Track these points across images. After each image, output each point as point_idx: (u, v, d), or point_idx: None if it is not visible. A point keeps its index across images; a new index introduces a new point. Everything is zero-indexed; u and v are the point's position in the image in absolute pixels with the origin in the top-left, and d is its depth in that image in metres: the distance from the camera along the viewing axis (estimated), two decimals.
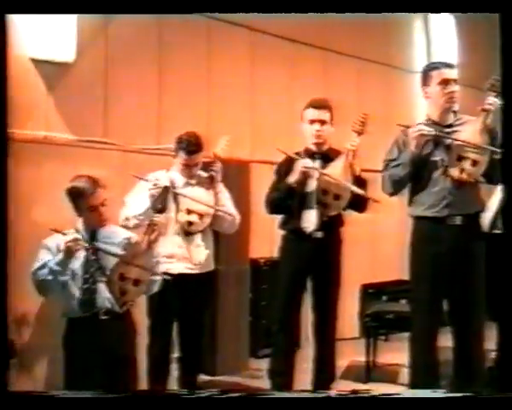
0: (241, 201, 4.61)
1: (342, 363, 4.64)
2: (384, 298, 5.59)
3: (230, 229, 4.08)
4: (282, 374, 4.00)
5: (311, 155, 3.99)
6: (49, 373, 3.90)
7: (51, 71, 4.34)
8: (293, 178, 3.89)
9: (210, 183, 3.92)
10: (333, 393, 3.06)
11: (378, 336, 4.89)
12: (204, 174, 3.98)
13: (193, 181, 3.97)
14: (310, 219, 3.92)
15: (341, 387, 4.17)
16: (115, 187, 3.85)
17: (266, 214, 4.16)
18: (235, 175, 4.70)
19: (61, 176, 4.24)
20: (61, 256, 3.21)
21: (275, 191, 4.01)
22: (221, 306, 4.59)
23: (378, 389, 4.03)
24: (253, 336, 4.74)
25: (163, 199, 3.61)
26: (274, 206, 4.02)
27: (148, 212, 3.67)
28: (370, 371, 4.72)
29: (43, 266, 3.25)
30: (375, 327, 4.81)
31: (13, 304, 4.02)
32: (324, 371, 4.10)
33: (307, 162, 3.88)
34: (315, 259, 3.96)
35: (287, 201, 3.93)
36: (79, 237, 3.23)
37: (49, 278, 3.22)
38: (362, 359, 4.78)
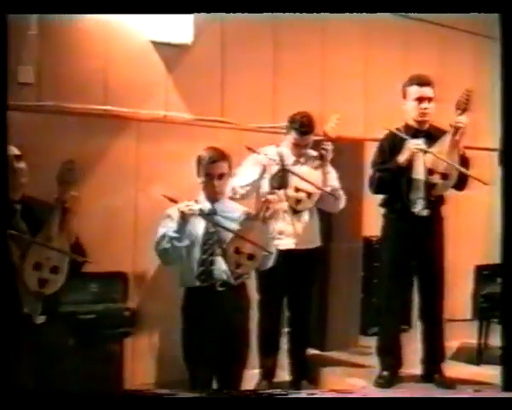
0: (355, 179, 4.67)
1: (453, 344, 4.60)
2: (499, 280, 5.44)
3: (336, 208, 4.13)
4: (390, 353, 4.02)
5: (413, 132, 3.96)
6: (168, 342, 4.08)
7: (170, 53, 4.52)
8: (402, 158, 3.87)
9: (319, 162, 3.97)
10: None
11: (491, 318, 4.78)
12: (313, 153, 4.03)
13: (302, 159, 4.04)
14: (417, 199, 3.90)
15: (452, 368, 4.15)
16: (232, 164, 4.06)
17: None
18: (349, 153, 4.74)
19: (180, 153, 4.47)
20: (176, 223, 3.34)
21: (382, 171, 4.00)
22: (333, 282, 4.65)
23: (488, 372, 3.99)
24: (364, 314, 4.78)
25: (279, 177, 3.72)
26: (381, 186, 4.01)
27: (254, 184, 3.80)
28: (482, 354, 4.65)
29: (163, 236, 3.38)
30: (489, 309, 4.72)
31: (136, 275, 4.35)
32: (432, 353, 4.08)
33: (418, 143, 3.85)
34: (420, 238, 3.94)
35: (395, 181, 3.92)
36: (191, 203, 3.34)
37: (168, 245, 3.35)
38: (473, 341, 4.71)
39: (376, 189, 4.07)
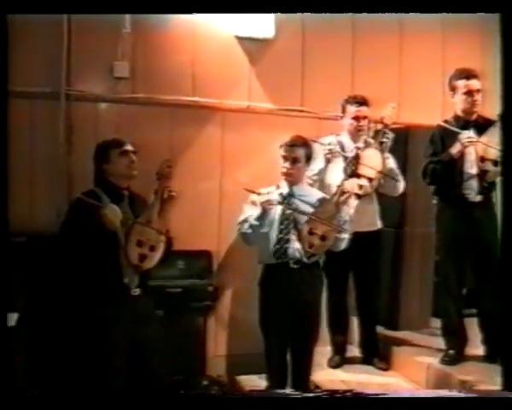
0: None
1: None
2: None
3: (395, 192, 4.30)
4: (454, 333, 4.13)
5: (462, 123, 4.06)
6: (247, 316, 4.37)
7: (253, 47, 4.81)
8: (455, 150, 3.98)
9: (378, 148, 4.14)
10: None
11: None
12: (371, 140, 4.21)
13: (361, 145, 4.24)
14: (471, 187, 4.01)
15: None
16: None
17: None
18: (425, 140, 4.83)
19: (262, 141, 4.76)
20: (258, 212, 3.64)
21: (435, 163, 4.11)
22: (406, 265, 4.77)
23: None
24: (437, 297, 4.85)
25: (352, 165, 3.95)
26: (435, 177, 4.11)
27: (321, 172, 4.04)
28: None
29: (245, 221, 3.69)
30: None
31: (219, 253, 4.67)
32: (492, 335, 4.14)
33: (469, 135, 3.95)
34: (474, 223, 4.02)
35: (448, 172, 4.04)
36: (272, 198, 3.62)
37: (249, 231, 3.67)
38: None
39: (430, 180, 4.17)
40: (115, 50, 4.46)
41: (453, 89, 4.16)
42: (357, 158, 4.05)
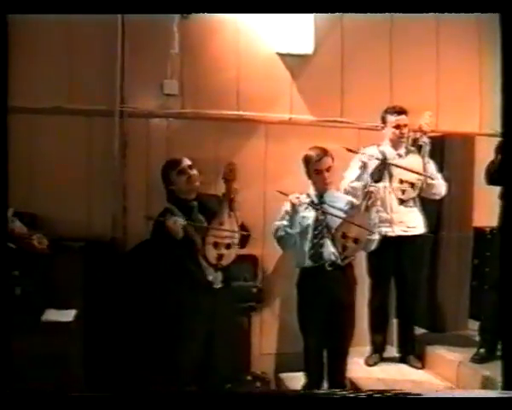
0: (466, 172, 4.94)
1: None
2: None
3: (437, 196, 4.48)
4: (490, 333, 4.23)
5: None
6: (287, 317, 4.61)
7: (294, 62, 5.07)
8: None
9: (418, 154, 4.35)
10: None
11: None
12: (412, 147, 4.42)
13: (402, 152, 4.45)
14: None
15: None
16: (349, 160, 4.48)
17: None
18: (461, 148, 5.01)
19: (303, 151, 5.00)
20: (288, 212, 3.92)
21: (491, 164, 4.28)
22: (443, 269, 4.91)
23: None
24: (476, 300, 4.89)
25: (379, 170, 4.18)
26: (489, 177, 4.29)
27: (360, 179, 4.25)
28: None
29: (279, 227, 3.97)
30: None
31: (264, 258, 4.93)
32: None
33: None
34: None
35: (501, 173, 4.18)
36: (302, 196, 3.90)
37: (283, 233, 3.95)
38: None
39: (487, 180, 4.32)
40: (165, 69, 4.79)
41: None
42: (384, 165, 4.27)
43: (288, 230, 3.93)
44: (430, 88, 5.35)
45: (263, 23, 4.97)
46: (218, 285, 3.73)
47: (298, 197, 3.89)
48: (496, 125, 4.56)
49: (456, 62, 5.39)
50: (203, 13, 4.53)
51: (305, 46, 5.00)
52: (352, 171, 4.37)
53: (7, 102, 2.95)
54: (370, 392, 2.76)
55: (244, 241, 3.79)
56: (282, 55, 5.05)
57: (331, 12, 3.36)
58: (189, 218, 3.66)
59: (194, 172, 3.78)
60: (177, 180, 3.76)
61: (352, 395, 2.97)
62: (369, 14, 4.92)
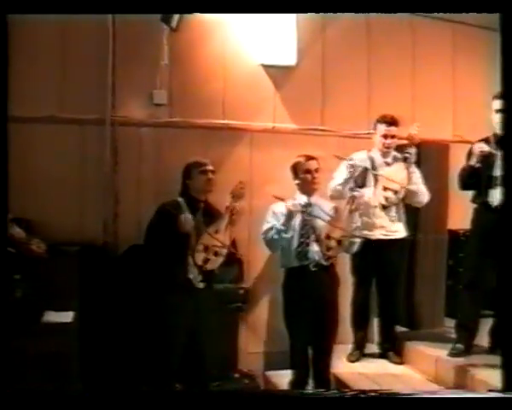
0: (441, 178, 5.19)
1: None
2: None
3: (420, 203, 4.72)
4: (466, 329, 4.48)
5: (497, 140, 4.44)
6: (273, 316, 4.85)
7: (277, 73, 5.29)
8: (473, 161, 4.38)
9: (404, 163, 4.58)
10: None
11: None
12: (399, 155, 4.66)
13: (390, 160, 4.68)
14: (494, 195, 4.39)
15: None
16: (332, 167, 4.67)
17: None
18: (437, 155, 5.26)
19: (287, 159, 5.16)
20: (284, 218, 4.09)
21: (462, 170, 4.54)
22: (420, 269, 5.16)
23: None
24: (451, 299, 5.13)
25: (362, 177, 4.42)
26: (461, 183, 4.54)
27: (346, 184, 4.48)
28: None
29: (271, 229, 4.14)
30: None
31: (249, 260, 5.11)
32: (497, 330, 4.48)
33: (482, 146, 4.33)
34: (498, 228, 4.38)
35: (470, 178, 4.42)
36: (297, 202, 4.10)
37: (276, 237, 4.11)
38: None
39: (459, 185, 4.57)
40: (154, 80, 4.97)
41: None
42: (364, 171, 4.53)
43: (284, 234, 4.10)
44: (406, 98, 5.61)
45: (248, 36, 5.19)
46: (201, 286, 3.90)
47: (295, 205, 4.08)
48: (468, 133, 4.88)
49: (431, 72, 5.66)
50: (194, 13, 4.66)
51: (288, 58, 5.21)
52: (341, 173, 4.58)
53: (7, 105, 2.89)
54: (359, 391, 2.70)
55: (231, 256, 4.03)
56: (266, 67, 5.27)
57: (329, 12, 3.47)
58: (193, 215, 3.88)
59: (213, 177, 4.01)
60: (196, 178, 3.98)
61: (347, 396, 2.78)
62: (349, 28, 5.32)
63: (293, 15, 5.08)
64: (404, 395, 2.53)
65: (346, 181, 4.52)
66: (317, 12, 4.18)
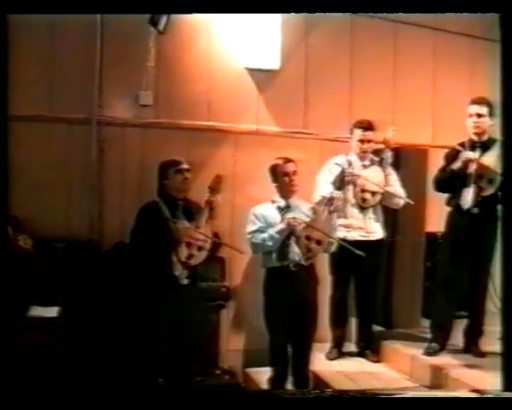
0: (420, 181, 5.32)
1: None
2: None
3: (397, 205, 4.84)
4: (441, 329, 4.62)
5: (472, 144, 4.57)
6: (254, 314, 4.86)
7: (261, 77, 5.40)
8: (456, 166, 4.50)
9: (381, 166, 4.72)
10: None
11: None
12: (376, 158, 4.79)
13: (367, 163, 4.80)
14: (467, 198, 4.51)
15: None
16: (314, 169, 4.87)
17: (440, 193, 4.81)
18: (415, 159, 5.40)
19: (269, 160, 5.24)
20: (282, 227, 4.16)
21: (440, 173, 4.67)
22: (398, 271, 5.30)
23: None
24: (429, 300, 5.22)
25: (340, 179, 4.54)
26: (438, 185, 4.66)
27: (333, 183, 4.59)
28: None
29: (258, 231, 4.21)
30: None
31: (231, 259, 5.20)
32: (472, 330, 4.65)
33: (469, 154, 4.47)
34: (471, 231, 4.53)
35: (448, 182, 4.55)
36: (297, 216, 4.17)
37: (270, 243, 4.17)
38: None
39: (435, 187, 4.72)
40: (141, 81, 5.04)
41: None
42: (346, 174, 4.63)
43: (277, 236, 4.16)
44: (387, 102, 5.73)
45: (233, 40, 5.30)
46: (184, 282, 3.99)
47: (294, 218, 4.16)
48: (447, 138, 5.02)
49: (412, 77, 5.79)
50: (182, 14, 4.77)
51: (272, 62, 5.32)
52: (323, 179, 4.71)
53: (6, 106, 3.05)
54: (342, 391, 3.00)
55: (215, 248, 4.11)
56: (250, 70, 5.37)
57: (325, 11, 3.54)
58: (172, 214, 3.98)
59: (189, 176, 4.08)
60: (172, 177, 4.05)
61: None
62: (332, 33, 5.44)
63: (278, 20, 5.19)
64: (384, 395, 2.74)
65: (334, 184, 4.64)
66: (302, 12, 4.32)
